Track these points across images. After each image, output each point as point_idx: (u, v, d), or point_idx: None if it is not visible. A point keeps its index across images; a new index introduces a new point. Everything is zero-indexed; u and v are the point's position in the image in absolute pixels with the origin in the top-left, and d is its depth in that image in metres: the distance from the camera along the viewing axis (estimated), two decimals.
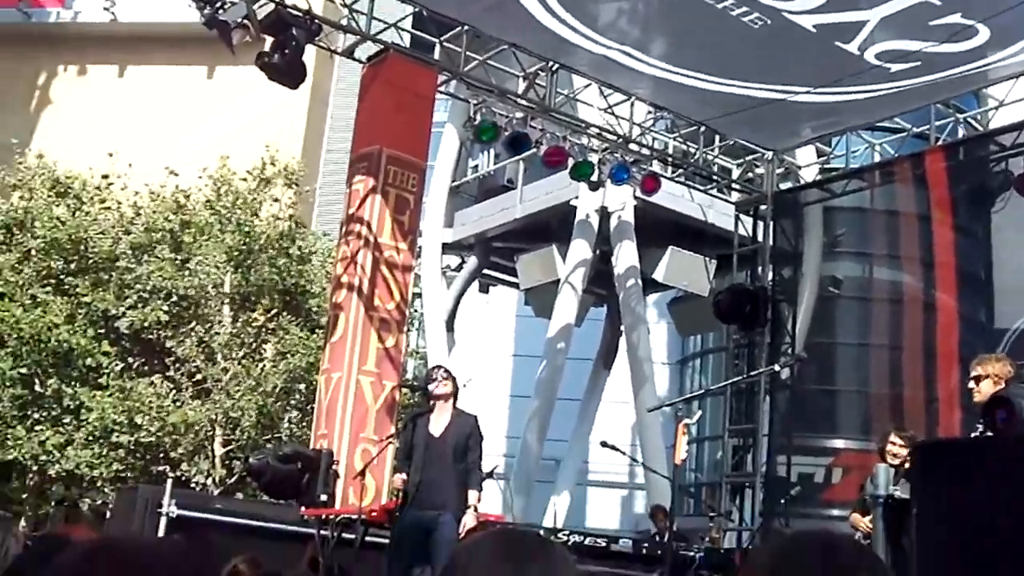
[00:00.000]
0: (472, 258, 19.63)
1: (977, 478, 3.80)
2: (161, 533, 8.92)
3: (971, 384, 6.12)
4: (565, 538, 6.98)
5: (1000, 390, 5.27)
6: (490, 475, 10.66)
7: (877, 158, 14.06)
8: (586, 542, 7.15)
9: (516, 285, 19.21)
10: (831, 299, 16.22)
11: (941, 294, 14.28)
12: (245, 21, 10.01)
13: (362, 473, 9.53)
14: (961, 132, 13.67)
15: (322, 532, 9.00)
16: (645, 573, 8.74)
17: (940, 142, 13.02)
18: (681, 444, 7.57)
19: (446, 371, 7.86)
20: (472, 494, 7.16)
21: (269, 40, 10.52)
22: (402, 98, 11.37)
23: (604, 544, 7.28)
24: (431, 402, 7.64)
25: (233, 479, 20.15)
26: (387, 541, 7.43)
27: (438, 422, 7.48)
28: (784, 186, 14.84)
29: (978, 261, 15.16)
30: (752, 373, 13.11)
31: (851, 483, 16.51)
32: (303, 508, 9.77)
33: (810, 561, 1.66)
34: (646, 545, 7.57)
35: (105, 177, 23.41)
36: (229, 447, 20.66)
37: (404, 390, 11.65)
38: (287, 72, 10.45)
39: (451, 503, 7.13)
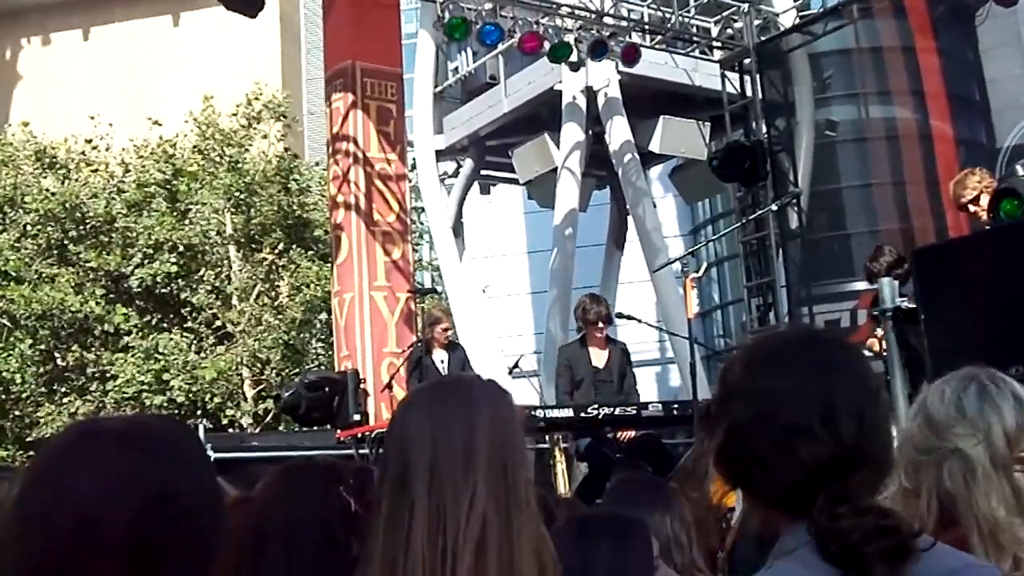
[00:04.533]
0: (468, 161, 19.51)
1: (969, 270, 3.84)
2: None
3: (970, 208, 6.04)
4: (595, 412, 7.04)
5: (1001, 184, 5.24)
6: (516, 366, 10.79)
7: None
8: (616, 412, 7.22)
9: (516, 181, 19.11)
10: (829, 144, 16.06)
11: (936, 122, 14.16)
12: None
13: (389, 385, 9.67)
14: None
15: (360, 451, 9.12)
16: (683, 433, 8.88)
17: None
18: (691, 298, 7.63)
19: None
20: None
21: None
22: (366, 9, 11.23)
23: (635, 411, 7.35)
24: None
25: (269, 417, 20.40)
26: None
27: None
28: (765, 37, 14.65)
29: (970, 82, 14.97)
30: (750, 216, 13.12)
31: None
32: (338, 430, 9.91)
33: (789, 346, 1.68)
34: (676, 407, 7.65)
35: (89, 141, 23.31)
36: (260, 387, 20.87)
37: (417, 296, 11.69)
38: (245, 1, 10.28)
39: None
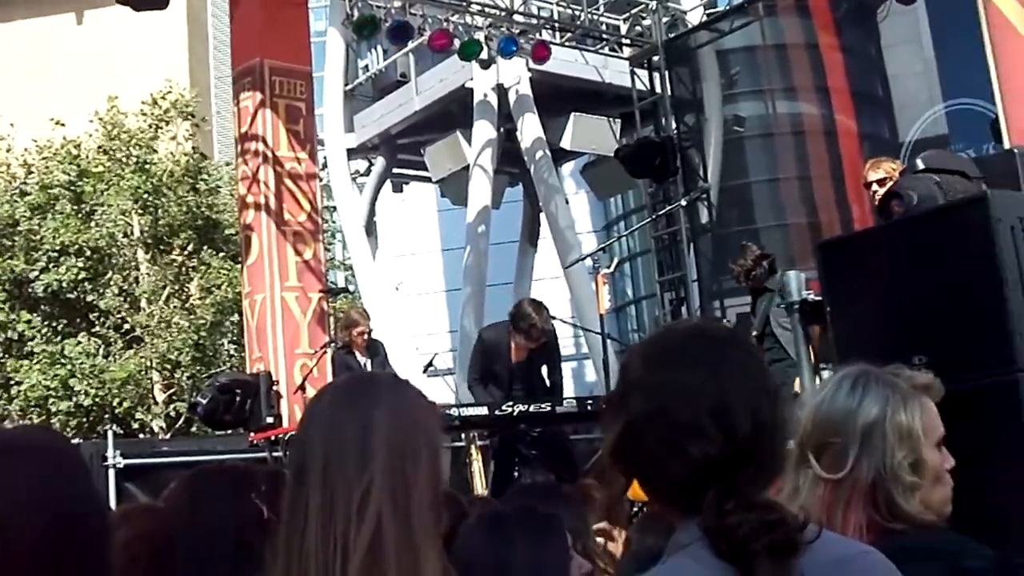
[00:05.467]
0: (379, 159, 19.42)
1: (873, 263, 3.93)
2: (111, 485, 8.88)
3: (874, 188, 6.29)
4: (510, 410, 7.05)
5: (891, 185, 5.40)
6: (430, 364, 10.75)
7: None
8: (530, 409, 7.23)
9: (429, 179, 19.08)
10: (737, 139, 16.28)
11: (840, 117, 14.44)
12: None
13: (302, 387, 9.58)
14: None
15: (274, 454, 9.02)
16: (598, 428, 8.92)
17: None
18: (603, 294, 7.70)
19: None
20: None
21: None
22: (274, 6, 11.10)
23: (550, 408, 7.37)
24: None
25: (180, 421, 20.08)
26: None
27: None
28: (673, 34, 14.82)
29: (873, 78, 15.27)
30: (660, 212, 13.27)
31: None
32: (251, 433, 9.78)
33: (683, 342, 1.70)
34: (590, 402, 7.69)
35: None
36: (171, 390, 20.54)
37: (329, 296, 11.60)
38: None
39: None
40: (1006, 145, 7.25)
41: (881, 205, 4.78)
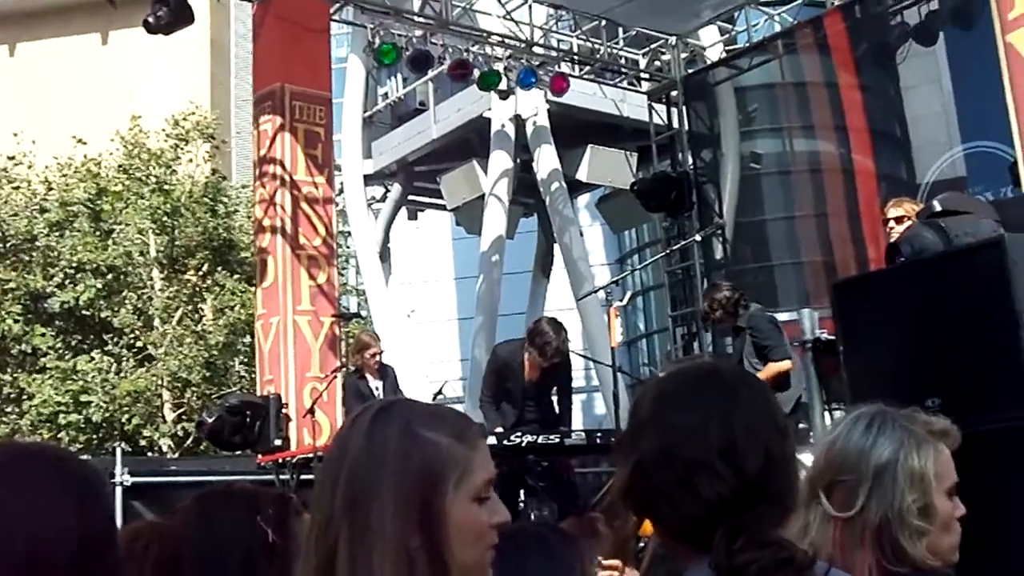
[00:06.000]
0: (396, 186, 19.49)
1: (887, 303, 3.92)
2: (118, 503, 8.88)
3: (891, 224, 6.29)
4: (518, 440, 7.04)
5: (900, 235, 5.40)
6: (439, 393, 10.76)
7: (778, 29, 14.10)
8: (539, 440, 7.22)
9: (444, 207, 19.13)
10: (754, 176, 16.32)
11: (858, 157, 14.46)
12: None
13: (311, 411, 9.58)
14: None
15: (281, 476, 9.02)
16: (606, 462, 8.89)
17: (836, 3, 13.07)
18: (615, 327, 7.69)
19: None
20: None
21: None
22: (297, 32, 11.15)
23: (558, 440, 7.35)
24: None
25: (189, 440, 20.09)
26: None
27: None
28: (692, 70, 14.86)
29: (892, 119, 15.31)
30: (674, 246, 13.28)
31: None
32: (259, 456, 9.79)
33: (694, 382, 1.70)
34: (599, 435, 7.67)
35: (11, 158, 22.86)
36: (181, 410, 20.56)
37: (342, 321, 11.62)
38: (175, 21, 10.19)
39: None
40: None
41: (888, 257, 4.77)
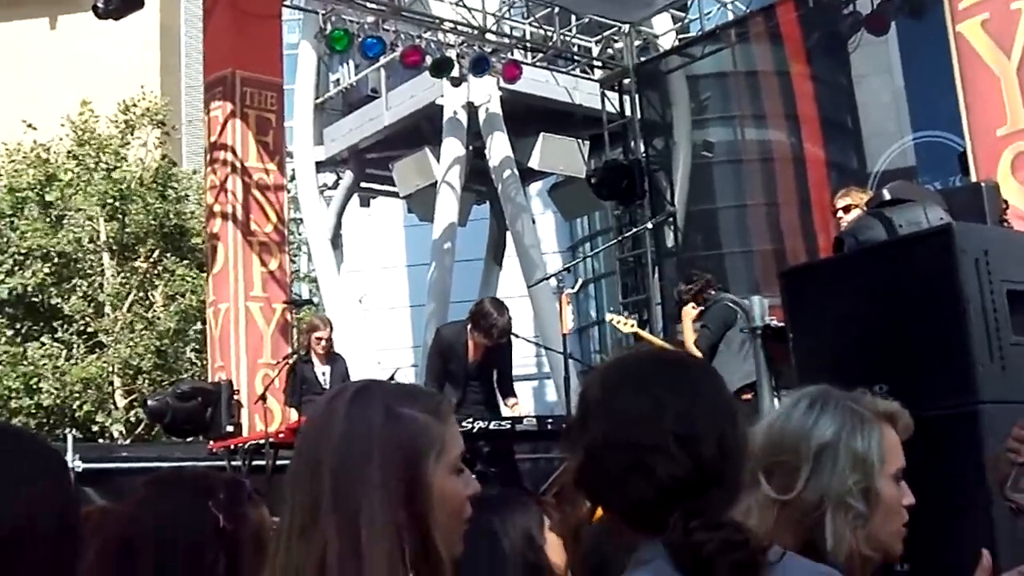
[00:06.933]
0: (348, 173, 19.42)
1: (835, 291, 3.96)
2: None
3: (840, 214, 6.37)
4: (469, 426, 7.03)
5: (844, 228, 5.47)
6: (391, 379, 10.73)
7: (731, 17, 14.18)
8: (491, 426, 7.22)
9: (396, 194, 19.08)
10: (706, 164, 16.40)
11: (809, 146, 14.54)
12: None
13: (263, 397, 9.51)
14: None
15: (233, 463, 8.96)
16: (556, 448, 8.92)
17: None
18: (567, 314, 7.71)
19: None
20: None
21: None
22: (247, 17, 11.06)
23: (509, 425, 7.36)
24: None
25: (141, 427, 19.93)
26: None
27: None
28: (644, 58, 14.91)
29: (843, 108, 15.40)
30: (626, 234, 13.34)
31: None
32: (210, 442, 9.72)
33: (642, 367, 1.71)
34: (550, 420, 7.69)
35: None
36: (132, 396, 20.38)
37: (293, 307, 11.55)
38: (123, 6, 10.05)
39: None
40: (973, 178, 7.34)
41: (835, 249, 4.84)
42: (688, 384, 1.64)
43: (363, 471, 1.54)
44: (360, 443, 1.56)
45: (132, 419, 20.16)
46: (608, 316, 9.20)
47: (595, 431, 1.63)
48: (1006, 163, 7.20)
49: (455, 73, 12.84)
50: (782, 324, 4.45)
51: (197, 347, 19.98)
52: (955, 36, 7.63)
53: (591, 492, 1.67)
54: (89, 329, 20.54)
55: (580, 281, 14.54)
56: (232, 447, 9.02)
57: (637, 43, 14.69)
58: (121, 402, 20.34)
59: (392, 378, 10.64)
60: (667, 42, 15.24)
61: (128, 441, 19.51)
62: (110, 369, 20.11)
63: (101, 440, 19.61)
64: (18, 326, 20.75)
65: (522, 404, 8.26)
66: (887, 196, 4.74)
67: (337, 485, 1.54)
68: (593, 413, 1.66)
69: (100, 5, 9.91)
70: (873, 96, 14.39)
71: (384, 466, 1.55)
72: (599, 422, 1.64)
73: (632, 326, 9.21)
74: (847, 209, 6.41)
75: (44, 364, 19.58)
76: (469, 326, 7.80)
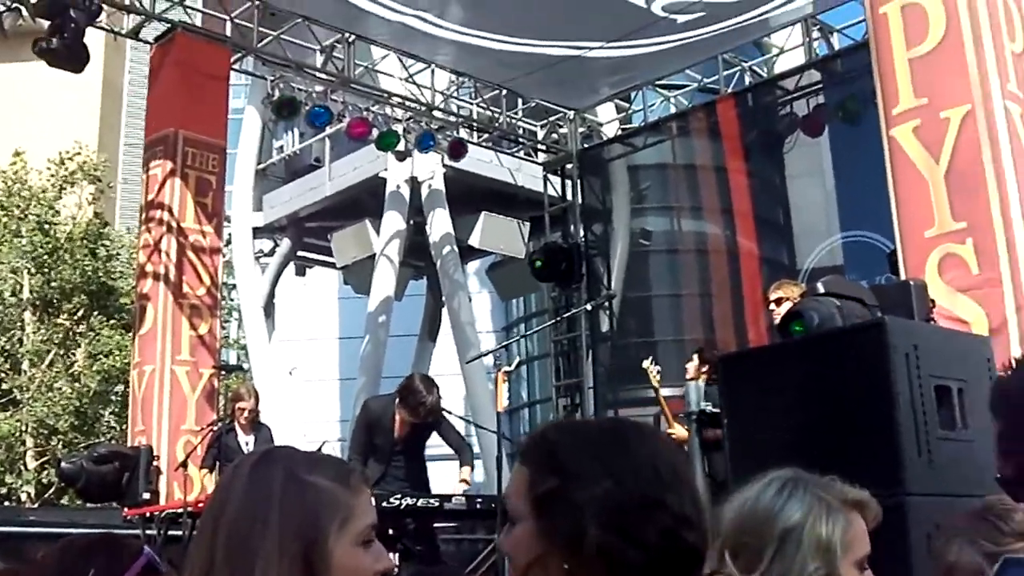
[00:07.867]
0: (285, 240, 19.32)
1: (771, 379, 3.98)
2: None
3: (772, 307, 6.47)
4: (397, 503, 6.91)
5: (794, 305, 5.54)
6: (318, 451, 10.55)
7: (673, 111, 14.45)
8: (419, 504, 7.10)
9: (333, 264, 18.99)
10: (642, 252, 16.55)
11: (743, 240, 14.74)
12: (17, 5, 9.51)
13: (184, 464, 9.28)
14: (748, 80, 14.14)
15: (147, 531, 8.70)
16: (483, 529, 8.81)
17: (730, 90, 13.46)
18: (502, 392, 7.65)
19: None
20: None
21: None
22: (194, 78, 11.01)
23: (437, 503, 7.25)
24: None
25: (52, 490, 19.37)
26: None
27: None
28: (588, 144, 15.10)
29: (776, 205, 15.65)
30: (563, 315, 13.39)
31: None
32: (125, 508, 9.44)
33: (596, 435, 1.68)
34: (479, 500, 7.59)
35: None
36: (45, 458, 19.84)
37: (222, 373, 11.35)
38: (68, 57, 9.93)
39: None
40: (903, 277, 7.48)
41: (782, 324, 4.89)
42: (654, 443, 1.65)
43: (260, 534, 1.50)
44: (258, 506, 1.52)
45: (44, 481, 19.59)
46: (645, 364, 8.93)
47: (583, 492, 1.58)
48: (933, 264, 7.32)
49: (400, 147, 12.87)
50: (716, 410, 4.46)
51: (117, 410, 19.58)
52: (888, 140, 7.80)
53: (574, 562, 1.58)
54: (3, 386, 20.02)
55: (517, 359, 14.51)
56: (148, 515, 8.77)
57: (581, 130, 14.89)
58: (32, 463, 19.78)
59: (319, 450, 10.50)
60: (611, 130, 15.45)
61: (37, 504, 18.96)
62: (23, 428, 19.57)
63: (7, 503, 19.03)
64: None
65: (452, 483, 8.12)
66: (822, 289, 4.81)
67: (231, 546, 1.50)
68: (575, 475, 1.60)
69: (43, 44, 9.73)
70: (805, 195, 14.66)
71: (282, 531, 1.50)
72: (586, 482, 1.58)
73: (657, 379, 9.00)
74: (778, 302, 6.53)
75: None
76: (397, 401, 7.68)
